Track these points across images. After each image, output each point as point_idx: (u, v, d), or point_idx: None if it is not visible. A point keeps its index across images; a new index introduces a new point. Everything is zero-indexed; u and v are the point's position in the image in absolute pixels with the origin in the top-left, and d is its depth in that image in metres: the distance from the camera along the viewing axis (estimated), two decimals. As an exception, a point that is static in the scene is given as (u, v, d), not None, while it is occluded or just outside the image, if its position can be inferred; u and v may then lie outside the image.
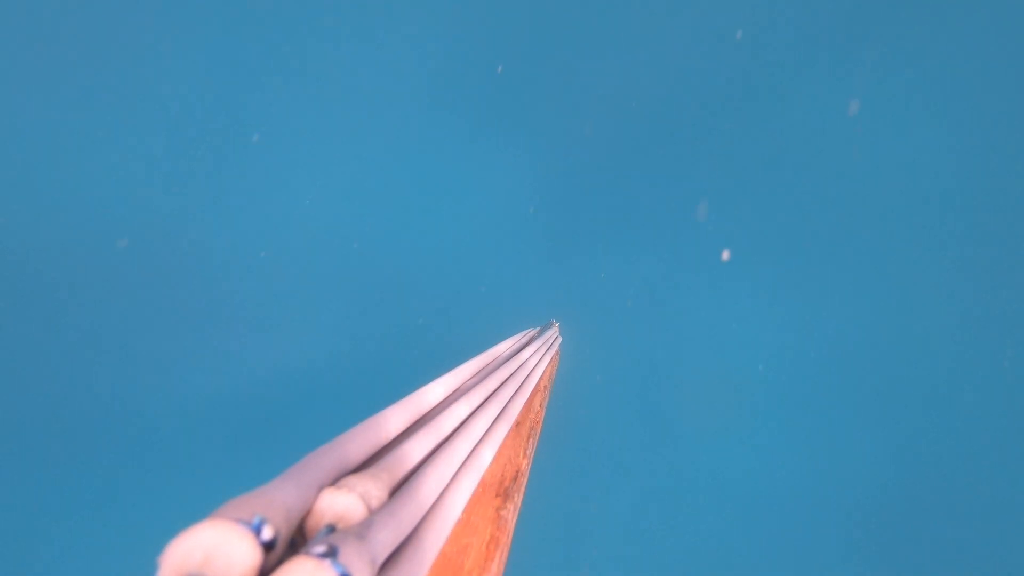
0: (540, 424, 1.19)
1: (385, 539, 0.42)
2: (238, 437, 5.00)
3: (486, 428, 0.76)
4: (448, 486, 0.58)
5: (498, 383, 0.92)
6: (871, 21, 4.90)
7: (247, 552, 0.32)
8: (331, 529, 0.41)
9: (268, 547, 0.35)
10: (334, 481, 0.46)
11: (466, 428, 0.69)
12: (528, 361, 1.19)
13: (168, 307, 4.93)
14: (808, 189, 5.23)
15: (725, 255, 5.17)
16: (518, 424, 1.07)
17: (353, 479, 0.47)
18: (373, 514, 0.44)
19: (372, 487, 0.47)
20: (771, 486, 5.13)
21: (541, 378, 1.30)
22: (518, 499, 0.91)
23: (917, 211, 5.13)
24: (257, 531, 0.34)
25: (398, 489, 0.50)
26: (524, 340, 1.38)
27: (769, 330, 5.25)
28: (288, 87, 4.99)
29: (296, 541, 0.41)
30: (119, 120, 4.78)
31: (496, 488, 0.88)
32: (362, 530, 0.40)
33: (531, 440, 1.08)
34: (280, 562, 0.34)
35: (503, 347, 1.19)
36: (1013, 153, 4.93)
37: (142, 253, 4.86)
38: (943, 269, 5.14)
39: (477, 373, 0.93)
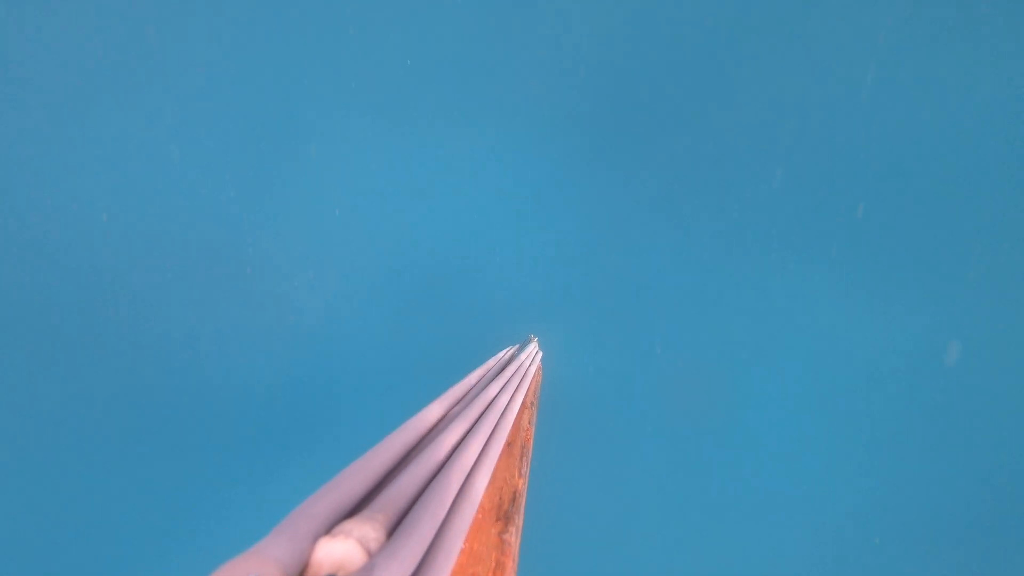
0: (531, 442, 1.18)
1: (388, 581, 0.41)
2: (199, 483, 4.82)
3: (478, 453, 0.75)
4: (446, 518, 0.57)
5: (483, 406, 0.91)
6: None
7: (246, 616, 0.31)
8: (331, 579, 0.40)
9: None
10: (329, 529, 0.45)
11: (457, 456, 0.68)
12: (512, 380, 1.18)
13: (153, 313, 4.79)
14: (826, 172, 4.72)
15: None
16: (509, 444, 1.06)
17: (348, 524, 0.46)
18: (374, 558, 0.43)
19: (369, 530, 0.46)
20: (768, 490, 4.95)
21: (526, 395, 1.30)
22: (519, 521, 0.89)
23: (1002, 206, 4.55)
24: (254, 593, 0.33)
25: (396, 528, 0.49)
26: (505, 359, 1.37)
27: (765, 328, 4.97)
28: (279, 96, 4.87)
29: (296, 597, 0.40)
30: (146, 123, 4.69)
31: (496, 512, 0.87)
32: None
33: (524, 459, 1.07)
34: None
35: (484, 369, 1.19)
36: None
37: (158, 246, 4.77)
38: None
39: (461, 399, 0.93)
